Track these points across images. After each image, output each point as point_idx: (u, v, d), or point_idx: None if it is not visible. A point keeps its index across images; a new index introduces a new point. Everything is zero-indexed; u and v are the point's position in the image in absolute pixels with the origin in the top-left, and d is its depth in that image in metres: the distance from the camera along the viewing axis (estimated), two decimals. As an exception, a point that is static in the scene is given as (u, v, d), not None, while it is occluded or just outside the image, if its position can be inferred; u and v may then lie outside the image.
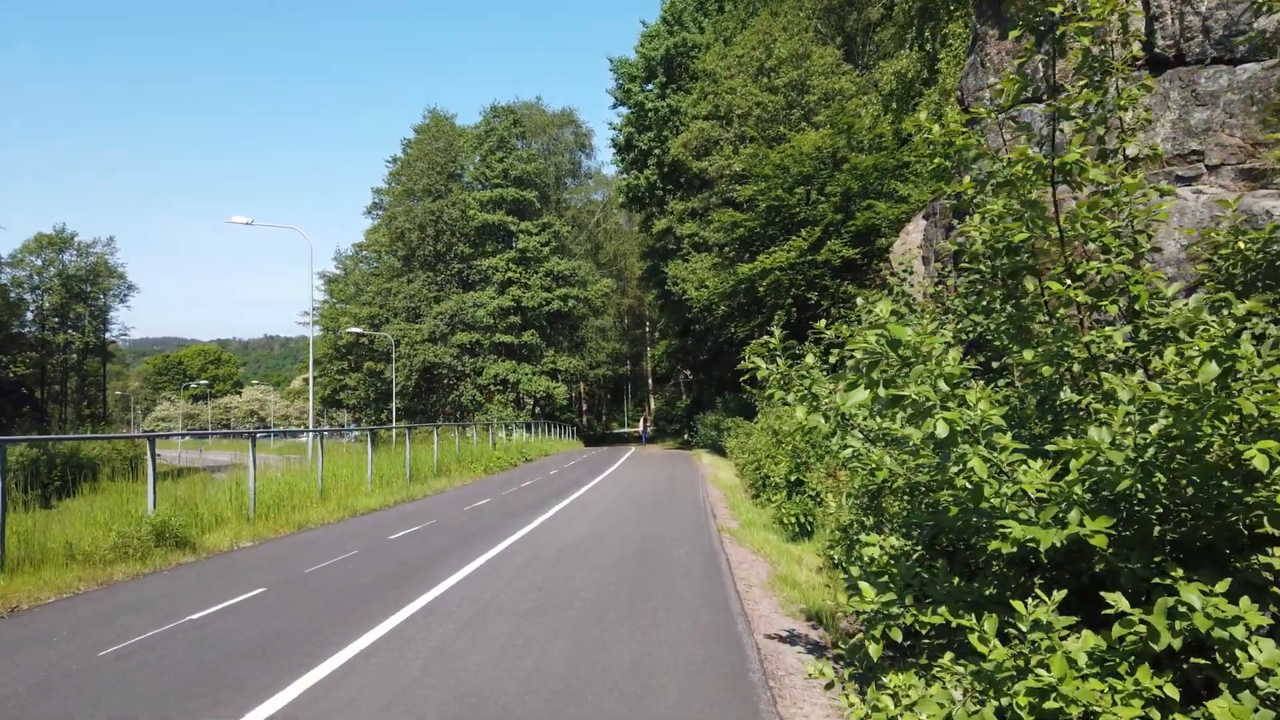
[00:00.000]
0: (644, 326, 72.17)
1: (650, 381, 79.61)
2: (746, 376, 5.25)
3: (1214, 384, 2.82)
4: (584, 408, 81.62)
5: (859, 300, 6.66)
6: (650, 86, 35.38)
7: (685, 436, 50.01)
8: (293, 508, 13.23)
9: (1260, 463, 2.70)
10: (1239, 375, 2.88)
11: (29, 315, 73.03)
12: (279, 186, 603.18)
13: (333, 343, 59.29)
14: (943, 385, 3.07)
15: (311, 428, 29.79)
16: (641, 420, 48.31)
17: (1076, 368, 3.53)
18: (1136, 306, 3.65)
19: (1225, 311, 3.19)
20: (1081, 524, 2.97)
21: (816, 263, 23.30)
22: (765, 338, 5.32)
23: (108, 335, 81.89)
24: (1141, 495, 3.13)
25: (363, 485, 16.83)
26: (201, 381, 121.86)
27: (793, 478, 11.42)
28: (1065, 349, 3.52)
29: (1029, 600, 3.12)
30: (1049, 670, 2.88)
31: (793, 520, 10.62)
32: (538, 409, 57.32)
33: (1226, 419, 2.81)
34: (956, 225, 9.01)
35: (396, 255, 56.92)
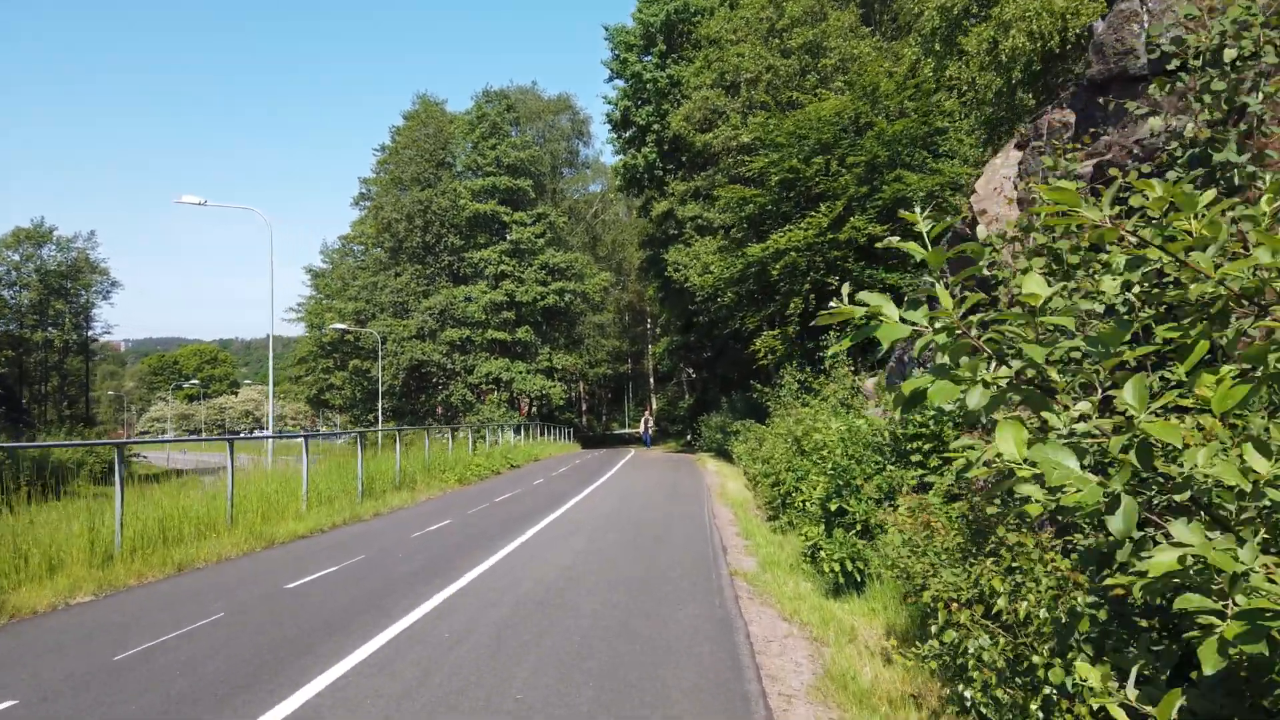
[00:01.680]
0: (645, 323, 69.23)
1: (652, 381, 76.78)
2: (849, 338, 2.27)
3: None
4: (584, 408, 78.74)
5: (981, 228, 3.69)
6: (649, 57, 32.38)
7: (688, 438, 47.01)
8: (181, 540, 10.28)
9: None
10: None
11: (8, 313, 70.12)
12: (280, 182, 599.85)
13: (317, 340, 56.36)
14: None
15: (270, 431, 26.87)
16: (643, 421, 44.58)
17: None
18: None
19: None
20: None
21: (838, 242, 20.31)
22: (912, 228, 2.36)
23: (90, 333, 78.99)
24: None
25: (295, 505, 13.88)
26: (193, 381, 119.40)
27: (833, 505, 8.43)
28: None
29: None
30: None
31: (836, 568, 7.64)
32: (534, 409, 54.45)
33: None
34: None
35: (383, 247, 53.99)
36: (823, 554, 7.86)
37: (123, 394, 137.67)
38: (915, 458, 8.45)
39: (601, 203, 63.41)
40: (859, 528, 8.12)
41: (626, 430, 75.55)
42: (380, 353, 48.98)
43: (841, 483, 8.42)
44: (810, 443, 12.06)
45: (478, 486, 20.69)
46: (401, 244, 52.37)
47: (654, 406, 73.17)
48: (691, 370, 54.73)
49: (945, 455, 8.34)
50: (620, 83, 33.18)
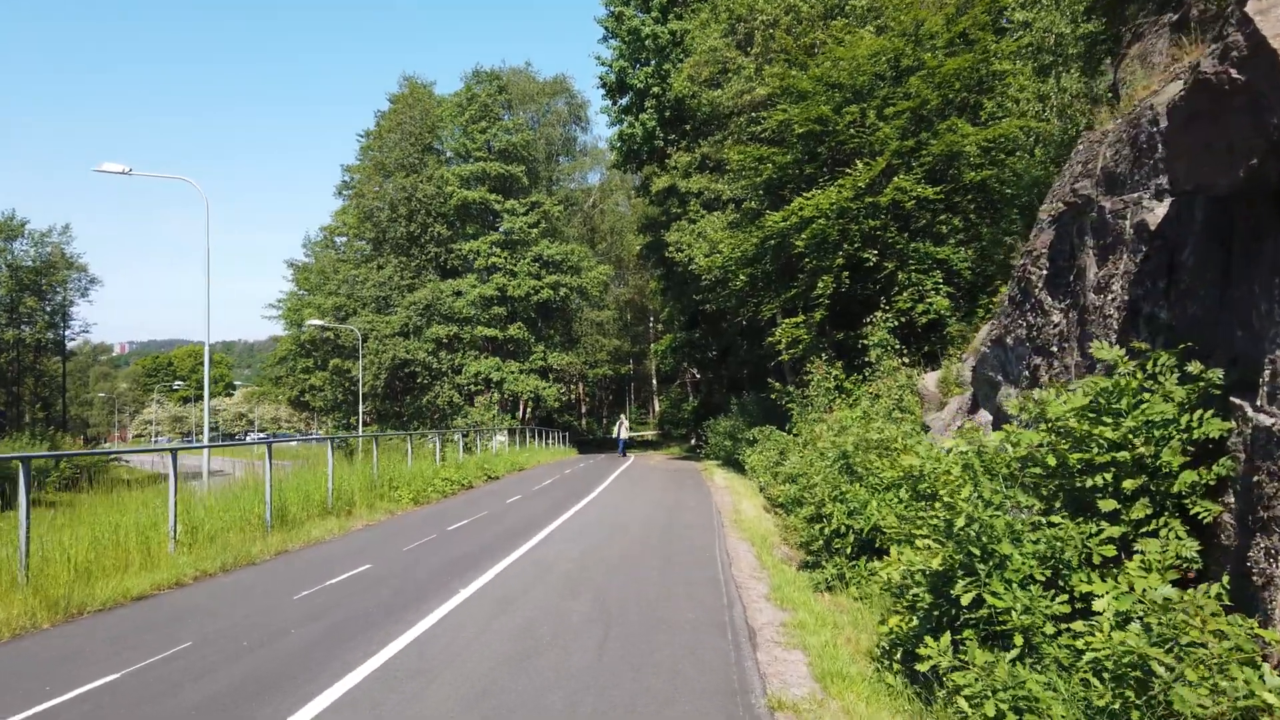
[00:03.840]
0: (647, 321, 65.50)
1: (655, 382, 73.15)
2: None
3: None
4: (583, 410, 75.13)
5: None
6: (648, 13, 28.51)
7: (692, 443, 43.23)
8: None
9: None
10: None
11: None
12: (280, 175, 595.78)
13: (295, 338, 52.51)
14: None
15: (213, 442, 23.13)
16: (617, 425, 40.02)
17: None
18: None
19: None
20: None
21: (877, 208, 16.52)
22: None
23: (68, 332, 75.27)
24: None
25: (159, 542, 10.14)
26: (179, 383, 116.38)
27: (964, 593, 4.60)
28: None
29: None
30: None
31: (990, 729, 3.84)
32: (528, 412, 50.86)
33: None
34: None
35: (365, 239, 50.32)
36: (964, 700, 4.07)
37: (114, 396, 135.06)
38: (1105, 504, 4.67)
39: (600, 192, 59.68)
40: (1019, 642, 4.32)
41: (629, 435, 71.70)
42: (360, 351, 45.29)
43: (975, 550, 4.62)
44: (882, 468, 8.33)
45: (436, 507, 16.93)
46: (384, 234, 48.71)
47: (657, 409, 69.38)
48: (696, 371, 50.95)
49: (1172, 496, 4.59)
50: (616, 42, 29.35)
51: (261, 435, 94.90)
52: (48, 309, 71.25)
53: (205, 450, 22.31)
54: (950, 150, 16.10)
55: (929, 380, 12.36)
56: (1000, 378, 8.80)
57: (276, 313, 57.55)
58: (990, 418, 9.12)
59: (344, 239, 53.78)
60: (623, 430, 37.85)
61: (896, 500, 6.90)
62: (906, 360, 14.55)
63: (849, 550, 8.77)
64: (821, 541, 9.49)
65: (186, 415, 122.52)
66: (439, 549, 11.32)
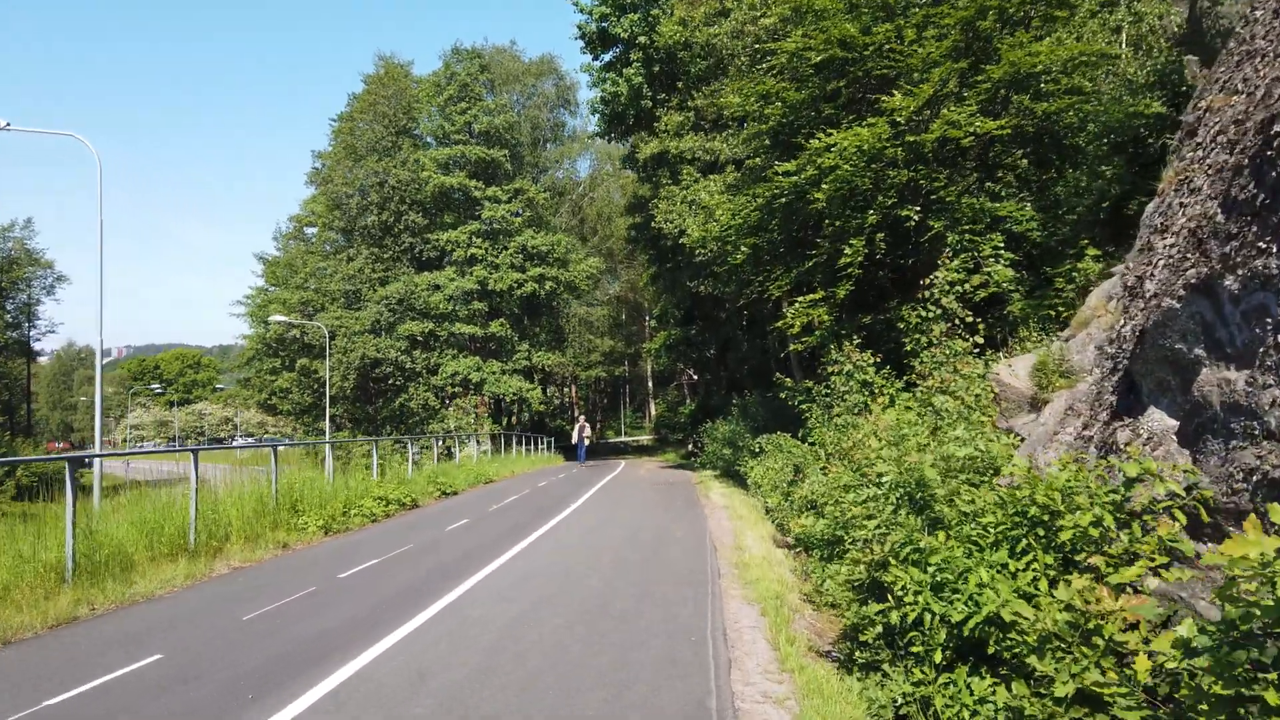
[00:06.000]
0: (642, 319, 61.75)
1: (650, 384, 69.50)
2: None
3: None
4: (575, 414, 71.35)
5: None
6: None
7: (689, 448, 39.46)
8: None
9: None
10: None
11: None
12: (276, 172, 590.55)
13: (261, 337, 48.56)
14: None
15: (99, 449, 19.41)
16: (576, 429, 35.18)
17: None
18: None
19: None
20: None
21: (920, 152, 12.78)
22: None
23: (33, 332, 71.28)
24: None
25: None
26: (154, 387, 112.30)
27: None
28: None
29: None
30: None
31: None
32: (513, 418, 47.15)
33: None
34: None
35: (334, 228, 46.51)
36: None
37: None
38: None
39: (591, 181, 55.90)
40: None
41: (623, 439, 68.06)
42: (328, 350, 41.53)
43: None
44: (982, 504, 4.60)
45: (351, 537, 13.13)
46: (355, 224, 44.93)
47: (653, 412, 65.72)
48: (693, 371, 47.24)
49: None
50: (597, -12, 25.57)
51: (249, 440, 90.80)
52: (10, 308, 67.47)
53: (98, 461, 18.60)
54: (1018, 73, 12.36)
55: (1017, 368, 8.57)
56: (1200, 351, 5.03)
57: (244, 310, 53.68)
58: (1174, 422, 5.35)
59: (314, 230, 49.96)
60: (583, 435, 33.69)
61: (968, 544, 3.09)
62: (978, 348, 10.81)
63: (938, 657, 5.00)
64: (881, 629, 5.72)
65: (170, 419, 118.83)
66: (295, 620, 7.53)
